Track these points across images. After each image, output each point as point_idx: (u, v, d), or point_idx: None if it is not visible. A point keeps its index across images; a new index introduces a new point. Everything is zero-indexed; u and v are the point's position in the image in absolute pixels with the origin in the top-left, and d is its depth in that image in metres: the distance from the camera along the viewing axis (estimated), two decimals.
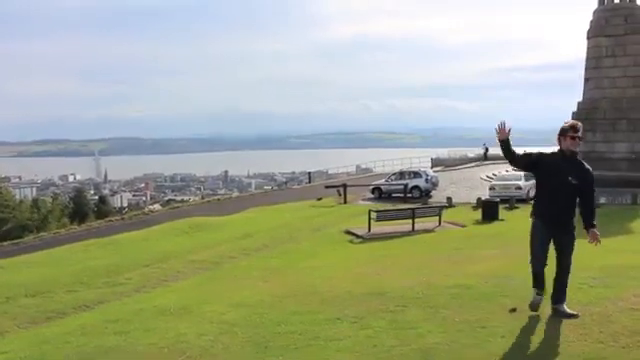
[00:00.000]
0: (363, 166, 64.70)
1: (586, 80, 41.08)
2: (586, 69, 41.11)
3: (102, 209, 54.12)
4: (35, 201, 46.92)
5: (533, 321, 6.59)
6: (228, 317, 8.27)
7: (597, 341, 5.78)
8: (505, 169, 42.00)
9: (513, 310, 7.06)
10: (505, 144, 6.62)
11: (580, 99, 41.29)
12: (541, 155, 6.80)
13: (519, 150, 7.03)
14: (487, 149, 56.96)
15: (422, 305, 7.84)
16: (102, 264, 17.10)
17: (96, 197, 74.28)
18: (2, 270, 17.56)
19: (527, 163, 6.94)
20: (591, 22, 40.93)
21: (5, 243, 24.80)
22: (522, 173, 33.55)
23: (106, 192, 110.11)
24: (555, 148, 6.71)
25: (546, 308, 7.00)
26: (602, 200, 27.72)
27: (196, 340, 7.12)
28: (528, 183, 30.57)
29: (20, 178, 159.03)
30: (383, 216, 22.80)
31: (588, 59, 40.97)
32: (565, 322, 6.42)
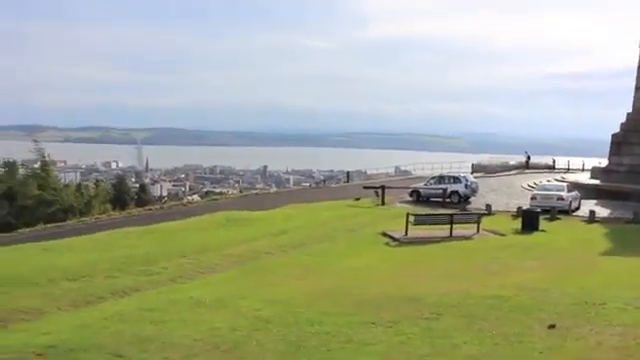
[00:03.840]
0: (402, 168, 64.18)
1: (637, 89, 39.71)
2: (637, 78, 39.75)
3: (142, 197, 54.95)
4: (79, 186, 47.97)
5: (573, 339, 6.43)
6: (263, 313, 8.32)
7: None
8: (547, 179, 41.12)
9: (552, 327, 6.91)
10: None
11: (630, 109, 40.05)
12: None
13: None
14: (529, 157, 55.84)
15: (458, 314, 7.75)
16: (140, 252, 17.36)
17: (137, 185, 75.39)
18: (46, 252, 18.00)
19: None
20: None
21: (49, 225, 25.46)
22: (564, 184, 32.79)
23: (147, 181, 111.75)
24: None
25: (587, 326, 6.84)
26: None
27: (230, 335, 7.18)
28: (570, 194, 29.82)
29: (65, 163, 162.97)
30: (421, 220, 22.54)
31: None
32: (608, 343, 6.24)
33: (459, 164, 52.43)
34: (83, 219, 27.86)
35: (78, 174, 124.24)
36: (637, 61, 40.20)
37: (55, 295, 12.07)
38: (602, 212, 28.09)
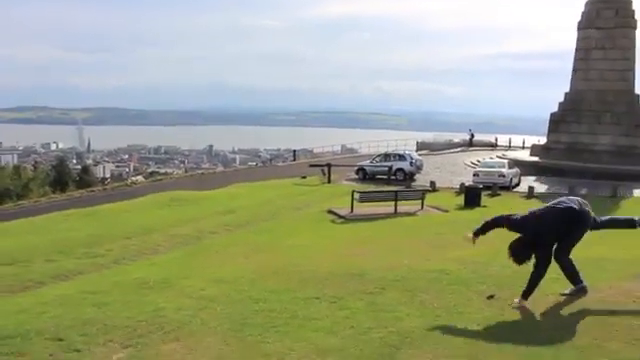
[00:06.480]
0: (348, 146, 64.62)
1: (574, 71, 41.29)
2: (575, 60, 41.29)
3: (84, 179, 53.55)
4: (16, 168, 46.27)
5: (509, 309, 6.67)
6: (207, 292, 8.27)
7: (571, 331, 5.87)
8: (489, 156, 42.23)
9: (490, 297, 7.14)
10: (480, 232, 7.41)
11: (567, 89, 41.53)
12: None
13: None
14: (473, 135, 57.21)
15: (401, 288, 7.89)
16: (82, 234, 16.97)
17: (79, 167, 73.35)
18: None
19: None
20: (583, 13, 41.03)
21: None
22: (505, 161, 33.79)
23: (89, 162, 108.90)
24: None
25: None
26: (583, 191, 28.03)
27: (174, 315, 7.11)
28: (511, 171, 30.82)
29: (0, 144, 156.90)
30: (366, 197, 22.87)
31: (577, 50, 41.13)
32: (540, 311, 6.51)
33: (404, 142, 53.20)
34: (21, 202, 27.00)
35: (15, 156, 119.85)
36: (574, 44, 41.66)
37: None
38: (540, 188, 29.16)
